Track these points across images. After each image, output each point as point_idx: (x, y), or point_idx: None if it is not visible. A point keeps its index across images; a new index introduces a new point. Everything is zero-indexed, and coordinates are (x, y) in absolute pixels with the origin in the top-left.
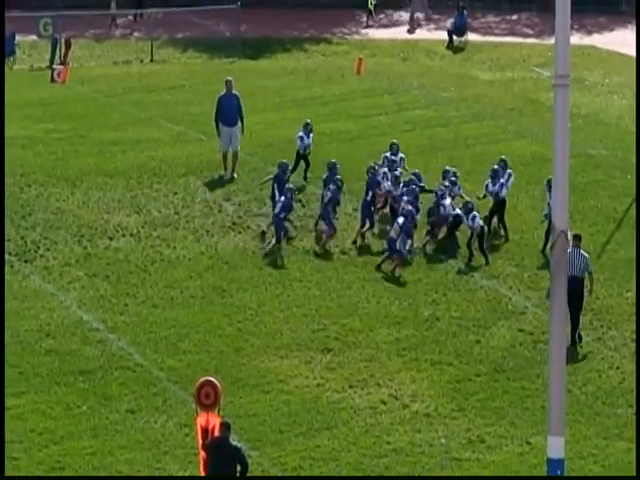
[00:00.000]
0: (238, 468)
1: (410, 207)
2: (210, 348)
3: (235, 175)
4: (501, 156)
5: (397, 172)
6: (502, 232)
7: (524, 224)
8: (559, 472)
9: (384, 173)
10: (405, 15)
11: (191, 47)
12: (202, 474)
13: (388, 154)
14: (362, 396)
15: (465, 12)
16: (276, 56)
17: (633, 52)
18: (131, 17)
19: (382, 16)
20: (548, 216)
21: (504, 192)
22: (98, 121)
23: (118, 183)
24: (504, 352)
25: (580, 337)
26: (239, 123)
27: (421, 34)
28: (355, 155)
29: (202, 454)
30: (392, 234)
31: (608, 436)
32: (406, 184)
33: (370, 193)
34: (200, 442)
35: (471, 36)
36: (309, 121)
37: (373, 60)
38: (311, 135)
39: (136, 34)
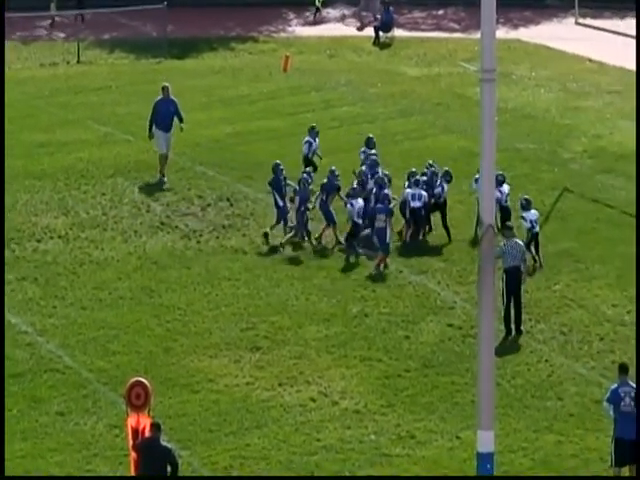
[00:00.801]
0: (169, 468)
1: (386, 191)
2: (139, 349)
3: (165, 179)
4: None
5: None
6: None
7: (452, 219)
8: (489, 466)
9: (367, 174)
10: (333, 12)
11: (118, 48)
12: (133, 475)
13: (364, 148)
14: (292, 394)
15: (391, 8)
16: (203, 55)
17: (559, 45)
18: (58, 19)
19: (308, 13)
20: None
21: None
22: (25, 123)
23: (46, 185)
24: (433, 347)
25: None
26: (173, 129)
27: (348, 31)
28: (283, 153)
29: (133, 455)
30: (379, 224)
31: (538, 429)
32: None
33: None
34: (131, 443)
35: (398, 32)
36: (314, 125)
37: (300, 57)
38: (317, 139)
39: (62, 35)
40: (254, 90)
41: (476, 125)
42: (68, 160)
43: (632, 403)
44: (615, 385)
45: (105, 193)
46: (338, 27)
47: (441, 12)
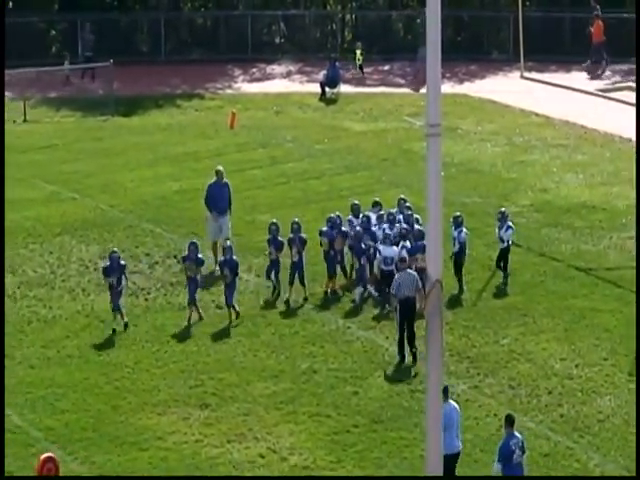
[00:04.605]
0: None
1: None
2: (88, 407)
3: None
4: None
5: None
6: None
7: None
8: None
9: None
10: (277, 68)
11: (64, 106)
12: None
13: (370, 213)
14: (240, 450)
15: (337, 63)
16: (149, 113)
17: (505, 99)
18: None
19: (254, 70)
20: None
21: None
22: None
23: None
24: (382, 402)
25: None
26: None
27: (293, 87)
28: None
29: None
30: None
31: None
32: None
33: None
34: None
35: (343, 87)
36: (378, 199)
37: (246, 114)
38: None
39: (9, 94)
40: (201, 147)
41: (422, 180)
42: (15, 219)
43: (521, 453)
44: (504, 440)
45: (52, 251)
46: (284, 83)
47: (387, 67)
